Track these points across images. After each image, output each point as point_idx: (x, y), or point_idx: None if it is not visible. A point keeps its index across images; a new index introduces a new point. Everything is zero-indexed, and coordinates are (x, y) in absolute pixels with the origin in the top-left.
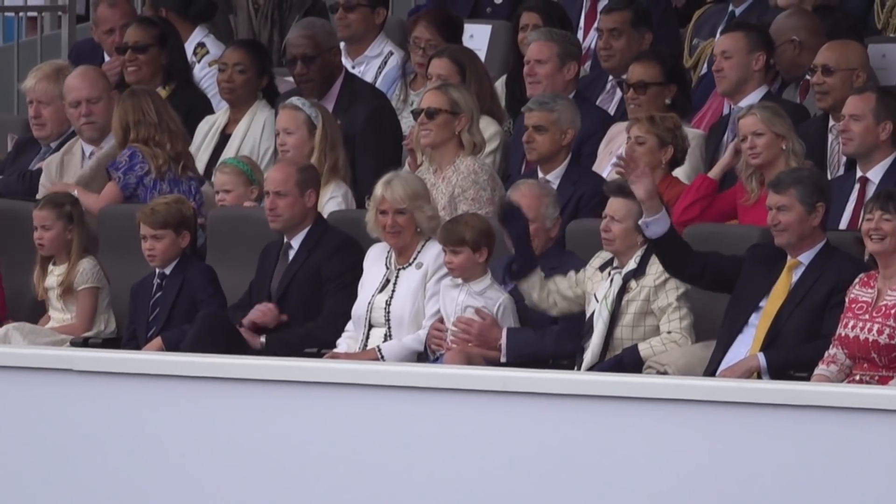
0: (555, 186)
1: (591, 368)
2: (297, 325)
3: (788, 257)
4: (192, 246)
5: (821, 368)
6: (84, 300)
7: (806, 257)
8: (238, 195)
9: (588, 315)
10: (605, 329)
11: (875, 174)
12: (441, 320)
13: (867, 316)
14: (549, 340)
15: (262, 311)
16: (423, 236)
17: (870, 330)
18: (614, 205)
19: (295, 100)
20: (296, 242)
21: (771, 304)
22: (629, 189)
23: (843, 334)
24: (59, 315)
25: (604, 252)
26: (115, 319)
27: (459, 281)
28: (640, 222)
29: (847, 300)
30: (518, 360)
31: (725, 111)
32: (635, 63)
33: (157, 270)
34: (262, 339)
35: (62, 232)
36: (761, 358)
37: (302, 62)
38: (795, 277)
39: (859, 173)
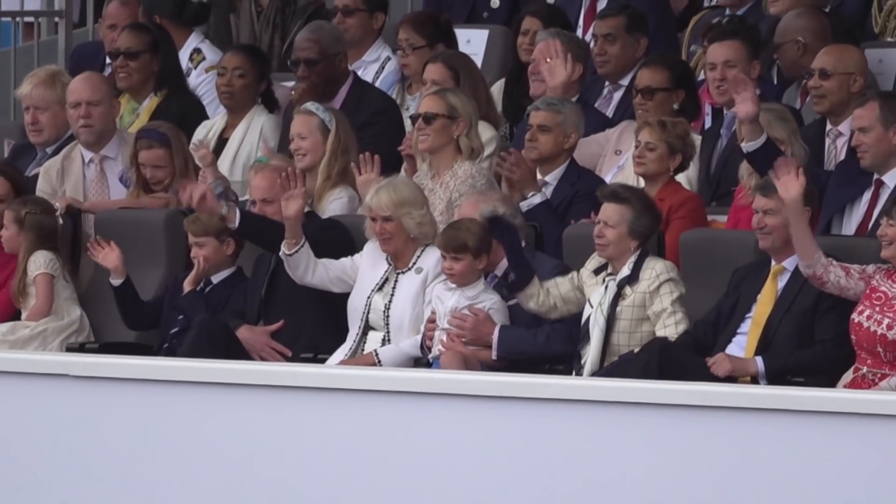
0: (552, 187)
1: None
2: (289, 329)
3: (773, 263)
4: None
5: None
6: (39, 286)
7: (790, 263)
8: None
9: (583, 320)
10: (601, 336)
11: (891, 178)
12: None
13: (881, 308)
14: (540, 339)
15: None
16: (420, 242)
17: (879, 323)
18: (608, 210)
19: (309, 105)
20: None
21: (759, 313)
22: (623, 194)
23: (855, 320)
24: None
25: (598, 256)
26: (87, 320)
27: (453, 286)
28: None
29: (868, 288)
30: (509, 356)
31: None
32: (643, 68)
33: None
34: (225, 209)
35: (16, 235)
36: (760, 363)
37: (304, 65)
38: (781, 284)
39: (875, 176)
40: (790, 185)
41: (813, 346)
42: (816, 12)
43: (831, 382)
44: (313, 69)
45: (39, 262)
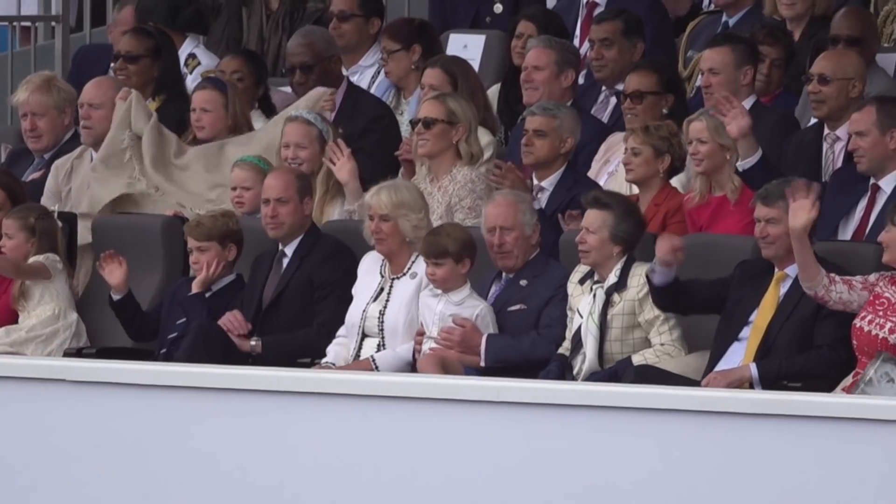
0: (549, 193)
1: None
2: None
3: (776, 269)
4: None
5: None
6: (30, 265)
7: (793, 269)
8: (257, 194)
9: (573, 330)
10: (596, 345)
11: (887, 183)
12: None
13: (884, 313)
14: (525, 346)
15: (230, 320)
16: (415, 246)
17: (882, 326)
18: (589, 216)
19: (305, 113)
20: (289, 250)
21: (761, 319)
22: (604, 200)
23: (857, 325)
24: (24, 321)
25: (582, 266)
26: (83, 325)
27: (438, 291)
28: (647, 272)
29: (872, 295)
30: (497, 364)
31: None
32: (632, 73)
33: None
34: (254, 341)
35: (23, 243)
36: (753, 369)
37: (300, 71)
38: (783, 290)
39: (872, 180)
40: (800, 213)
41: (808, 352)
42: (860, 10)
43: (829, 387)
44: (309, 74)
45: (42, 258)
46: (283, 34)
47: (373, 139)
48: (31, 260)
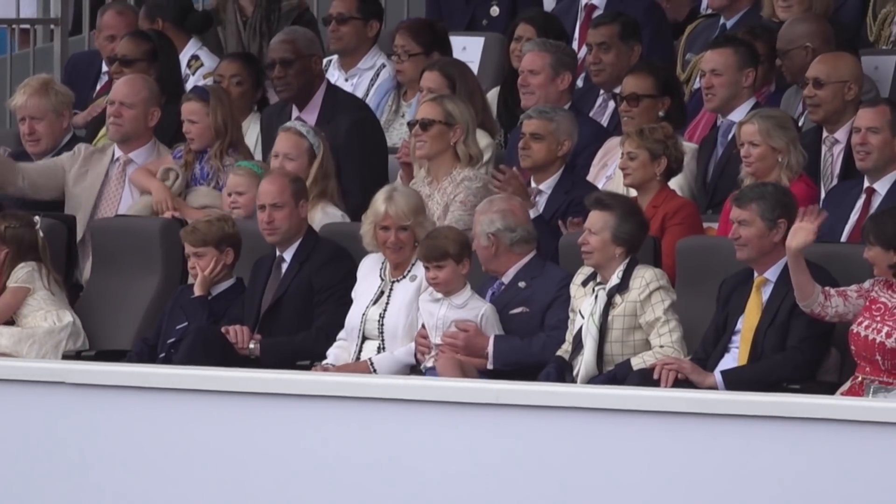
0: (547, 196)
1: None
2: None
3: (755, 275)
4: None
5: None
6: (7, 298)
7: (772, 273)
8: (251, 198)
9: (574, 332)
10: (595, 346)
11: (882, 185)
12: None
13: (881, 318)
14: (535, 347)
15: (236, 332)
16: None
17: (878, 331)
18: (592, 217)
19: (298, 125)
20: (288, 255)
21: (747, 328)
22: (606, 201)
23: (854, 331)
24: (19, 323)
25: (585, 268)
26: (80, 324)
27: (438, 295)
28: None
29: (867, 301)
30: (505, 367)
31: (717, 122)
32: (628, 75)
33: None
34: (252, 343)
35: None
36: (718, 377)
37: (280, 66)
38: (765, 296)
39: (866, 183)
40: (800, 233)
41: (773, 356)
42: (821, 18)
43: (829, 391)
44: (289, 69)
45: (18, 276)
46: (263, 39)
47: (355, 147)
48: (10, 283)
